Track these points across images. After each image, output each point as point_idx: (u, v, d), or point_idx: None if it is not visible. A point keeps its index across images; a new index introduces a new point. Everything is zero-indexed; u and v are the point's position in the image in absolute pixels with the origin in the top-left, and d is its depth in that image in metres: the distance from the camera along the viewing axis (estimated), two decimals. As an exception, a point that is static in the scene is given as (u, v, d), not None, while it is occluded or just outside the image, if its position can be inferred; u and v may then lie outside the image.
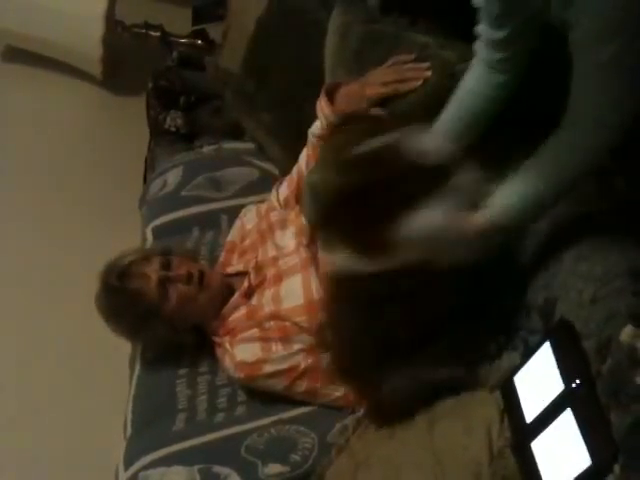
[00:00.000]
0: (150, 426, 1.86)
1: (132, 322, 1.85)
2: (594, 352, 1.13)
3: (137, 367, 2.00)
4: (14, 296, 2.57)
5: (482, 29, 1.27)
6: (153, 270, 1.82)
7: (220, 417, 1.83)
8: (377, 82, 1.67)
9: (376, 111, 1.66)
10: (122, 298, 1.82)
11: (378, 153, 1.34)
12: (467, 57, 1.60)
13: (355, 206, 1.33)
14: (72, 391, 2.31)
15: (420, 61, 1.64)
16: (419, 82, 1.62)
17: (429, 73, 1.61)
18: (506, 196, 1.27)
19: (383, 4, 1.89)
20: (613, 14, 1.06)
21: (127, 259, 1.86)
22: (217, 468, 1.68)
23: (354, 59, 1.82)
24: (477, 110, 1.38)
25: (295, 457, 1.67)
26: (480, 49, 1.32)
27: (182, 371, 1.92)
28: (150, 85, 2.80)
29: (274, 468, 1.66)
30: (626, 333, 1.09)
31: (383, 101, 1.66)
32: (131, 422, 1.90)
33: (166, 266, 1.84)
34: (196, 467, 1.69)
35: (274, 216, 1.98)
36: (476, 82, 1.36)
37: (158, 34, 3.09)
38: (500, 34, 1.24)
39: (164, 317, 1.82)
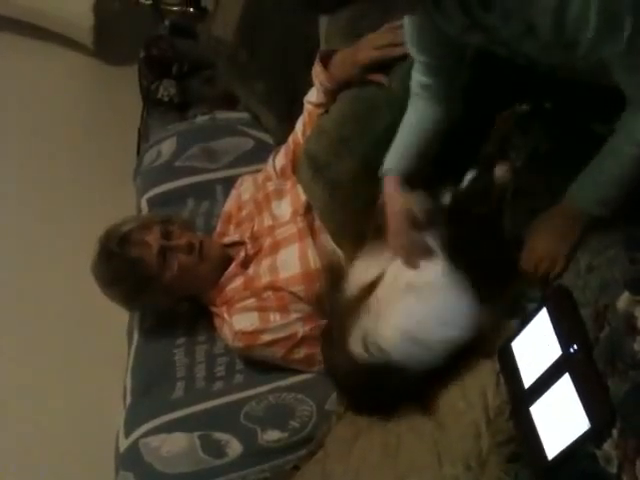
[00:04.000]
0: (149, 394, 1.87)
1: (130, 289, 1.85)
2: (591, 319, 1.15)
3: (135, 337, 2.01)
4: (6, 262, 2.57)
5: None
6: (154, 239, 1.82)
7: (219, 385, 1.84)
8: (370, 46, 1.65)
9: (376, 77, 1.65)
10: (122, 264, 1.81)
11: None
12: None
13: None
14: (71, 361, 2.32)
15: None
16: None
17: None
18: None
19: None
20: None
21: (127, 226, 1.85)
22: (217, 434, 1.71)
23: (349, 25, 1.81)
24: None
25: (294, 424, 1.69)
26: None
27: (180, 340, 1.94)
28: (142, 54, 2.77)
29: (273, 434, 1.68)
30: (623, 300, 1.10)
31: (384, 66, 1.64)
32: (130, 391, 1.91)
33: (167, 236, 1.84)
34: (196, 433, 1.72)
35: (271, 186, 1.98)
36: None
37: (150, 2, 3.04)
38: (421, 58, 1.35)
39: (163, 286, 1.82)
